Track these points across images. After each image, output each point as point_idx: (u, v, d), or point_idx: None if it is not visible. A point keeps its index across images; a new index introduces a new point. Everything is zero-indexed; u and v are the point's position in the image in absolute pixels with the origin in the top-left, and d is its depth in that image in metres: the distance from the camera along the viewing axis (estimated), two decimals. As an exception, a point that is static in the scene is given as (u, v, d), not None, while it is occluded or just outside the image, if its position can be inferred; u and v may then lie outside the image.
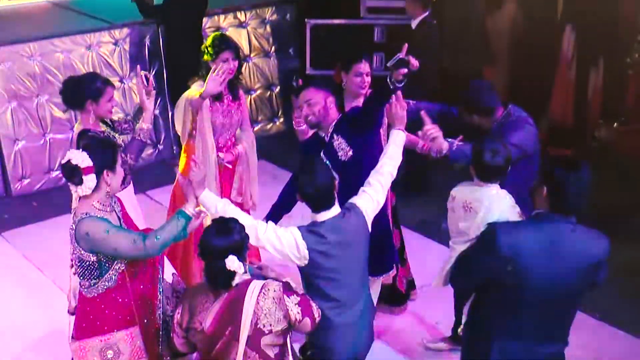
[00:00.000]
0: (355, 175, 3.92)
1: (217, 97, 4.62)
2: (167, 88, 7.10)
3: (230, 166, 4.78)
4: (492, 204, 3.42)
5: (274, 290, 3.05)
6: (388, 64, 3.89)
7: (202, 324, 3.04)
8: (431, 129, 3.81)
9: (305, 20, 7.30)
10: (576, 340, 3.47)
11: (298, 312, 3.08)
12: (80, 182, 3.22)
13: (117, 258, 3.27)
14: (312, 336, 3.43)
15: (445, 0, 7.13)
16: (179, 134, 4.75)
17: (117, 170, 3.33)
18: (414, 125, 4.04)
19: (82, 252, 3.26)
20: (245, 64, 7.30)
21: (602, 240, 3.14)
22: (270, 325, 3.03)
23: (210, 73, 4.38)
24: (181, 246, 4.72)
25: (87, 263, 3.28)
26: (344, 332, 3.45)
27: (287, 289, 3.12)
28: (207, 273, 3.04)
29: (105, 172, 3.27)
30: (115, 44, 6.82)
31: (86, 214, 3.24)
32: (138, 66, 4.61)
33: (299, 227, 3.35)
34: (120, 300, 3.35)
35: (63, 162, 3.29)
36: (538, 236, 3.06)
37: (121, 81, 6.86)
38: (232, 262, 2.97)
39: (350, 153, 4.10)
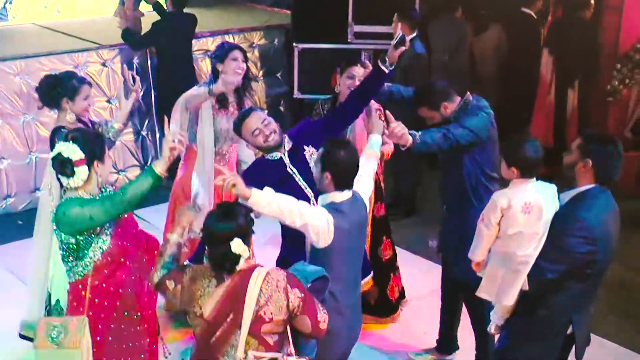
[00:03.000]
0: None
1: (222, 104, 4.64)
2: (155, 110, 7.12)
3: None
4: (548, 196, 3.47)
5: (278, 279, 2.98)
6: (392, 42, 4.03)
7: (202, 308, 2.98)
8: (397, 128, 3.85)
9: (294, 44, 7.37)
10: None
11: (299, 306, 3.00)
12: (72, 174, 3.23)
13: (95, 227, 3.26)
14: None
15: (432, 25, 7.24)
16: None
17: (106, 160, 3.36)
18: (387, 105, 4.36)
19: (63, 235, 3.28)
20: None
21: None
22: (272, 313, 2.96)
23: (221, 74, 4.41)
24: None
25: (67, 246, 3.31)
26: (350, 313, 3.53)
27: (292, 281, 3.04)
28: (211, 258, 2.99)
29: (95, 162, 3.31)
30: (104, 64, 6.83)
31: (66, 199, 3.27)
32: (125, 66, 4.61)
33: (322, 206, 3.40)
34: (98, 286, 3.36)
35: (52, 155, 3.31)
36: (605, 209, 3.36)
37: (109, 102, 6.86)
38: (237, 246, 2.92)
39: None
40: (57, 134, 3.99)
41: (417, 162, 6.66)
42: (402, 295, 5.11)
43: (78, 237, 3.29)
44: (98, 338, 3.44)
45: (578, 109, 7.49)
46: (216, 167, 4.71)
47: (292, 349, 3.05)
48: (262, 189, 3.43)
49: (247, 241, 2.97)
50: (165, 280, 3.11)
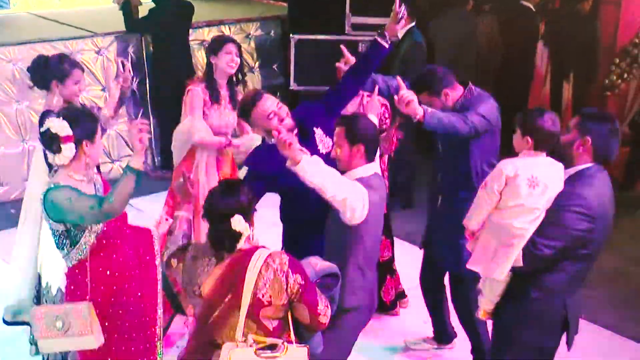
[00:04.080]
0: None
1: (215, 99, 4.57)
2: (149, 99, 7.04)
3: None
4: (556, 174, 3.38)
5: (280, 263, 2.88)
6: (392, 15, 3.96)
7: (200, 287, 2.91)
8: (406, 94, 3.76)
9: (290, 35, 7.31)
10: (562, 338, 3.54)
11: (297, 293, 2.90)
12: (58, 151, 3.17)
13: (84, 224, 3.21)
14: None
15: (438, 19, 7.17)
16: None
17: (96, 142, 3.29)
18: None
19: (51, 222, 3.22)
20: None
21: None
22: (270, 297, 2.86)
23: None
24: None
25: (58, 232, 3.25)
26: (374, 289, 3.59)
27: (295, 266, 2.93)
28: (211, 236, 2.92)
29: (84, 142, 3.24)
30: (98, 52, 6.76)
31: (54, 184, 3.20)
32: (120, 60, 4.57)
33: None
34: (91, 271, 3.29)
35: (42, 130, 3.24)
36: (603, 189, 3.31)
37: (103, 90, 6.78)
38: (238, 223, 2.84)
39: (331, 143, 4.04)
40: (44, 118, 3.90)
41: (414, 153, 6.60)
42: (402, 295, 5.03)
43: (67, 225, 3.24)
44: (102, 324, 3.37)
45: (573, 102, 7.46)
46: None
47: (292, 337, 2.95)
48: (274, 176, 3.43)
49: (248, 219, 2.89)
50: (170, 259, 3.06)
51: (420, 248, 4.54)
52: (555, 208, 3.31)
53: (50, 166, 3.32)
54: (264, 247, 2.97)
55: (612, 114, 3.50)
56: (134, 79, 6.84)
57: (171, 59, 6.76)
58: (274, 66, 7.83)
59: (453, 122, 3.86)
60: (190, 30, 7.04)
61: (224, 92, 4.62)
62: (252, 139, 4.48)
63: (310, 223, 3.71)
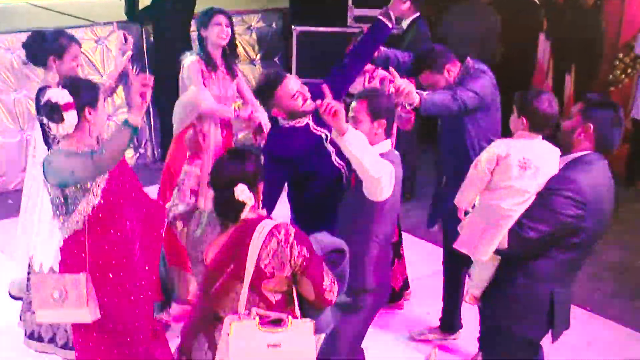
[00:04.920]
0: None
1: (213, 67, 4.52)
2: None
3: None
4: (550, 159, 3.31)
5: (286, 234, 2.78)
6: None
7: (203, 254, 2.83)
8: (402, 84, 3.71)
9: (292, 27, 7.26)
10: (569, 330, 3.51)
11: (301, 265, 2.79)
12: (60, 120, 3.11)
13: (77, 182, 3.15)
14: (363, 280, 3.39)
15: (449, 13, 7.08)
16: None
17: (99, 109, 3.23)
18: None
19: (50, 186, 3.18)
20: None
21: None
22: (273, 268, 2.76)
23: None
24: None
25: (55, 199, 3.20)
26: (388, 270, 3.57)
27: (301, 239, 2.82)
28: (215, 203, 2.84)
29: (86, 109, 3.18)
30: (98, 41, 6.68)
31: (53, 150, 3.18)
32: (121, 32, 4.47)
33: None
34: (88, 244, 3.23)
35: (42, 103, 3.20)
36: (600, 177, 3.20)
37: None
38: (241, 192, 2.76)
39: None
40: (41, 94, 3.84)
41: (416, 144, 6.51)
42: (406, 285, 4.97)
43: (65, 191, 3.18)
44: (99, 299, 3.30)
45: (575, 97, 7.40)
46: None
47: (297, 312, 2.85)
48: (296, 160, 3.44)
49: (253, 189, 2.81)
50: (176, 220, 2.99)
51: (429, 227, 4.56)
52: (545, 191, 3.22)
53: (51, 137, 3.26)
54: (270, 217, 2.89)
55: (616, 103, 3.37)
56: (135, 70, 6.75)
57: (172, 49, 6.65)
58: (276, 59, 7.76)
59: (444, 101, 3.86)
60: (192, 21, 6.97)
61: (219, 63, 4.56)
62: (259, 111, 4.41)
63: (321, 210, 3.66)
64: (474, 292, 3.49)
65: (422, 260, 5.28)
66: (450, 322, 4.54)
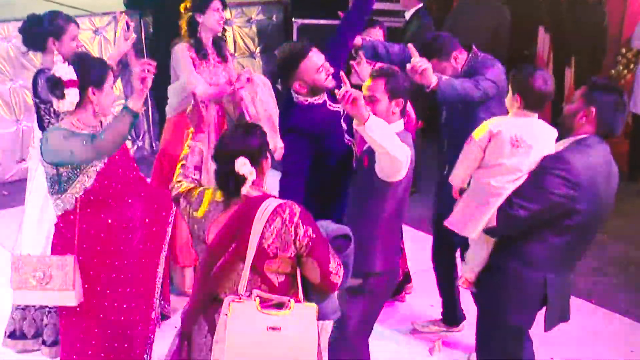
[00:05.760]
0: None
1: (203, 55, 4.45)
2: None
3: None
4: (544, 138, 3.25)
5: (290, 213, 2.66)
6: None
7: (205, 232, 2.74)
8: (419, 62, 3.62)
9: (293, 19, 7.19)
10: (574, 322, 3.50)
11: (307, 246, 2.66)
12: (61, 96, 3.06)
13: (74, 163, 3.10)
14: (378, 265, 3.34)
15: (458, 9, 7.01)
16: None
17: (105, 90, 3.15)
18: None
19: (46, 164, 3.11)
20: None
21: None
22: (277, 248, 2.65)
23: None
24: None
25: (50, 176, 3.14)
26: (398, 254, 3.51)
27: (307, 219, 2.70)
28: (216, 176, 2.75)
29: (90, 88, 3.11)
30: (96, 32, 6.60)
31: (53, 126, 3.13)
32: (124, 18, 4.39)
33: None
34: (78, 227, 3.17)
35: (47, 77, 3.16)
36: (598, 160, 3.12)
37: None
38: (241, 165, 2.65)
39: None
40: (39, 76, 3.76)
41: (420, 138, 6.43)
42: (407, 279, 4.88)
43: (60, 169, 3.12)
44: (86, 285, 3.23)
45: (575, 88, 7.34)
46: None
47: (301, 295, 2.74)
48: (319, 135, 3.41)
49: (256, 164, 2.70)
50: (180, 197, 2.89)
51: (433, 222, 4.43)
52: (537, 169, 3.17)
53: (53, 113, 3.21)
54: (274, 196, 2.79)
55: (621, 88, 3.34)
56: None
57: (171, 41, 6.59)
58: (276, 52, 7.64)
59: (466, 88, 3.76)
60: (190, 13, 6.89)
61: (210, 51, 4.50)
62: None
63: (332, 188, 3.60)
64: (468, 276, 3.45)
65: (422, 254, 5.15)
66: (452, 314, 4.47)
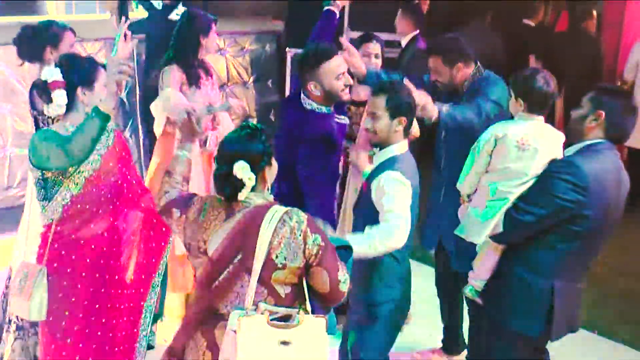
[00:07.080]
0: None
1: (194, 81, 4.36)
2: (139, 107, 6.77)
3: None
4: (550, 140, 3.20)
5: (298, 221, 2.53)
6: None
7: (206, 244, 2.58)
8: (418, 97, 3.46)
9: (287, 49, 7.15)
10: (579, 353, 3.54)
11: (317, 255, 2.54)
12: (49, 100, 2.91)
13: (52, 168, 2.96)
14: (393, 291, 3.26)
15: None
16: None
17: (96, 90, 3.00)
18: None
19: (31, 166, 2.99)
20: (222, 92, 7.07)
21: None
22: (285, 259, 2.51)
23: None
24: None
25: (36, 180, 3.02)
26: (406, 280, 3.35)
27: (315, 227, 2.58)
28: (214, 179, 2.61)
29: (80, 89, 2.97)
30: (87, 58, 6.52)
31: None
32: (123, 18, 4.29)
33: (380, 163, 3.18)
34: (65, 236, 3.05)
35: (34, 81, 3.11)
36: (607, 165, 3.04)
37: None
38: (239, 169, 2.52)
39: None
40: (35, 88, 3.63)
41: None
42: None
43: (46, 174, 2.99)
44: (60, 295, 3.05)
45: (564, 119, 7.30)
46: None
47: (308, 307, 2.60)
48: (337, 141, 3.46)
49: (256, 170, 2.56)
50: (171, 207, 2.71)
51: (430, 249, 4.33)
52: (544, 174, 3.12)
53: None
54: (278, 204, 2.64)
55: (629, 91, 3.29)
56: (125, 88, 6.58)
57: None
58: (269, 82, 7.61)
59: (467, 117, 3.65)
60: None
61: (199, 72, 4.42)
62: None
63: (327, 194, 3.60)
64: (475, 284, 3.36)
65: (420, 283, 5.04)
66: (453, 342, 4.35)
